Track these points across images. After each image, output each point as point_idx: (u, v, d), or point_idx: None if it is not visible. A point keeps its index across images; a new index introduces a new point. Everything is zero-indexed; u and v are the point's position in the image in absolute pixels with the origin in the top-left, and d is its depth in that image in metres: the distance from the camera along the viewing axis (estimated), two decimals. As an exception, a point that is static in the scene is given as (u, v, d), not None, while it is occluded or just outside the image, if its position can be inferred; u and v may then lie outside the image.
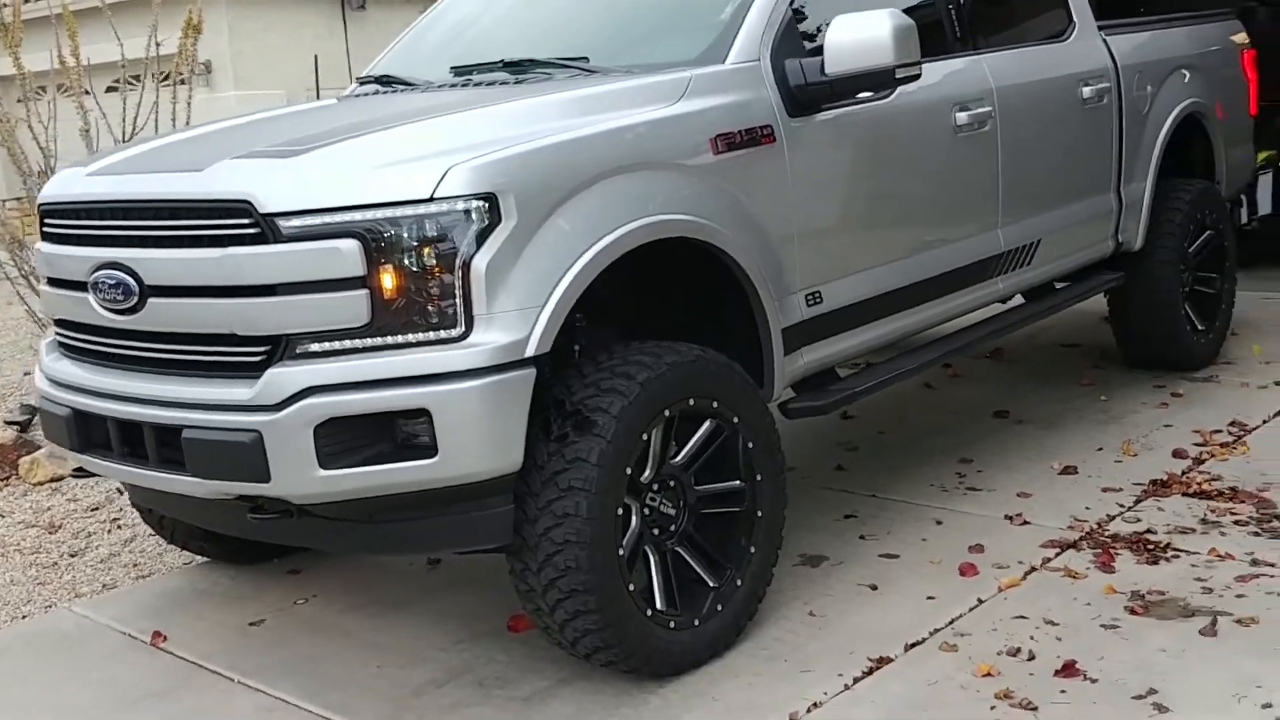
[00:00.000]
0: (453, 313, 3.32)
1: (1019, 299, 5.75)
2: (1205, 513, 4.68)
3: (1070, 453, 5.45)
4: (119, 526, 5.65)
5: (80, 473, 4.19)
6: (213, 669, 4.13)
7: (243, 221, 3.38)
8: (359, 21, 17.24)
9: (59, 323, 4.03)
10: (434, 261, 3.31)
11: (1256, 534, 4.46)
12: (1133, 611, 3.95)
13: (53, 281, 3.97)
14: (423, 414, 3.32)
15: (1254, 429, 5.60)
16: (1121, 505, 4.83)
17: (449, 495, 3.42)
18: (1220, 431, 5.58)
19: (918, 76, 4.20)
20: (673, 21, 4.49)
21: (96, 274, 3.67)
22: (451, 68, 4.61)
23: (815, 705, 3.56)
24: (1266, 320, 7.38)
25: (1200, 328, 6.53)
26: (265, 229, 3.35)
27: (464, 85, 4.38)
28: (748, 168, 3.99)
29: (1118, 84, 5.83)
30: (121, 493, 5.93)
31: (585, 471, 3.43)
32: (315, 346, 3.38)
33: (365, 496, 3.43)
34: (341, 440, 3.35)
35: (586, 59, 4.27)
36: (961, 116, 4.83)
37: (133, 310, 3.61)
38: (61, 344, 4.04)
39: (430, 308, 3.33)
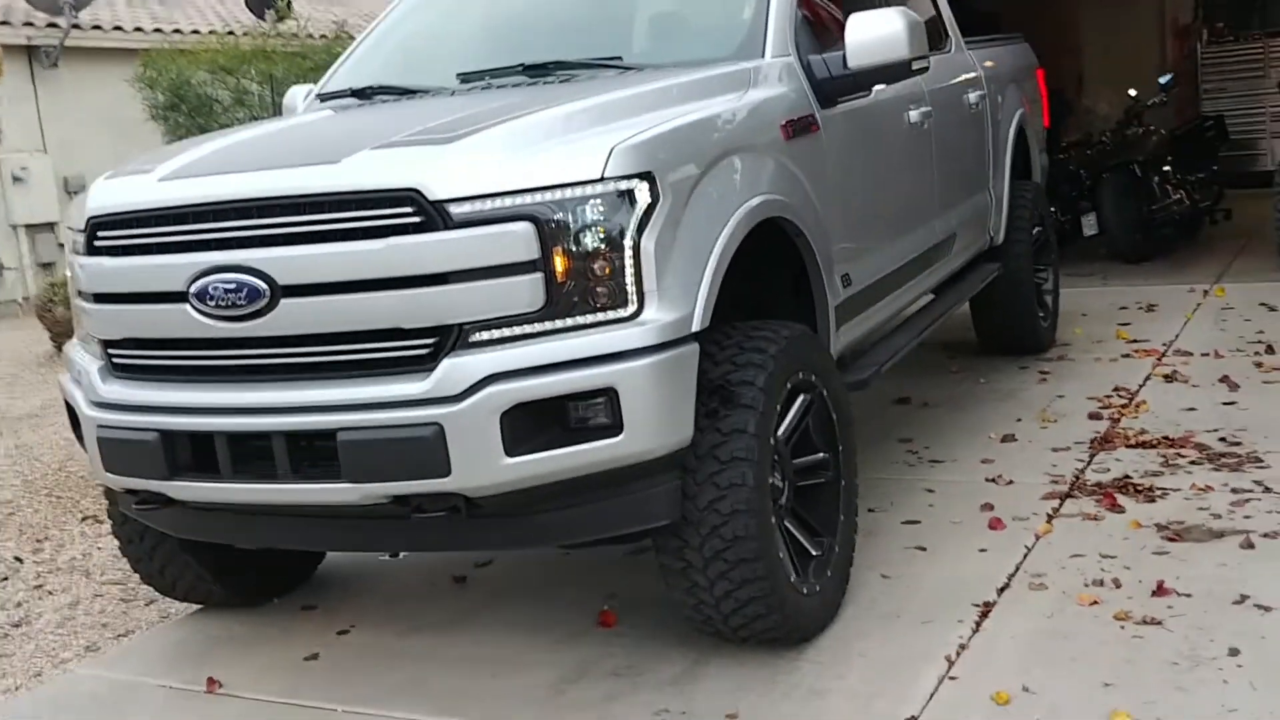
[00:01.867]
0: (625, 292, 3.32)
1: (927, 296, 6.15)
2: (1156, 459, 5.21)
3: (995, 425, 5.91)
4: (49, 593, 5.13)
5: (142, 505, 3.80)
6: (302, 704, 3.87)
7: (406, 210, 3.26)
8: (51, 80, 16.12)
9: (123, 343, 3.69)
10: (605, 241, 3.31)
11: (1217, 470, 5.03)
12: (1170, 539, 4.37)
13: (117, 297, 3.64)
14: (605, 394, 3.29)
15: (1138, 392, 6.25)
16: (1081, 460, 5.31)
17: (625, 474, 3.40)
18: (1110, 396, 6.20)
19: (927, 69, 4.54)
20: (691, 20, 4.62)
21: (202, 281, 3.41)
22: (459, 74, 4.53)
23: (963, 648, 3.75)
24: (1071, 308, 8.18)
25: (1041, 314, 7.21)
26: (434, 216, 3.24)
27: (514, 86, 4.29)
28: (805, 153, 4.19)
29: (988, 92, 6.41)
30: (20, 560, 5.43)
31: (746, 442, 3.50)
32: (487, 334, 3.29)
33: (544, 483, 3.36)
34: (524, 426, 3.28)
35: (620, 58, 4.33)
36: (914, 114, 5.21)
37: (257, 315, 3.38)
38: (126, 365, 3.70)
39: (601, 288, 3.32)
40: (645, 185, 3.33)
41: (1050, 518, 4.69)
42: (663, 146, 3.45)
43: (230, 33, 14.62)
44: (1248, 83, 14.28)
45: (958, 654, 3.72)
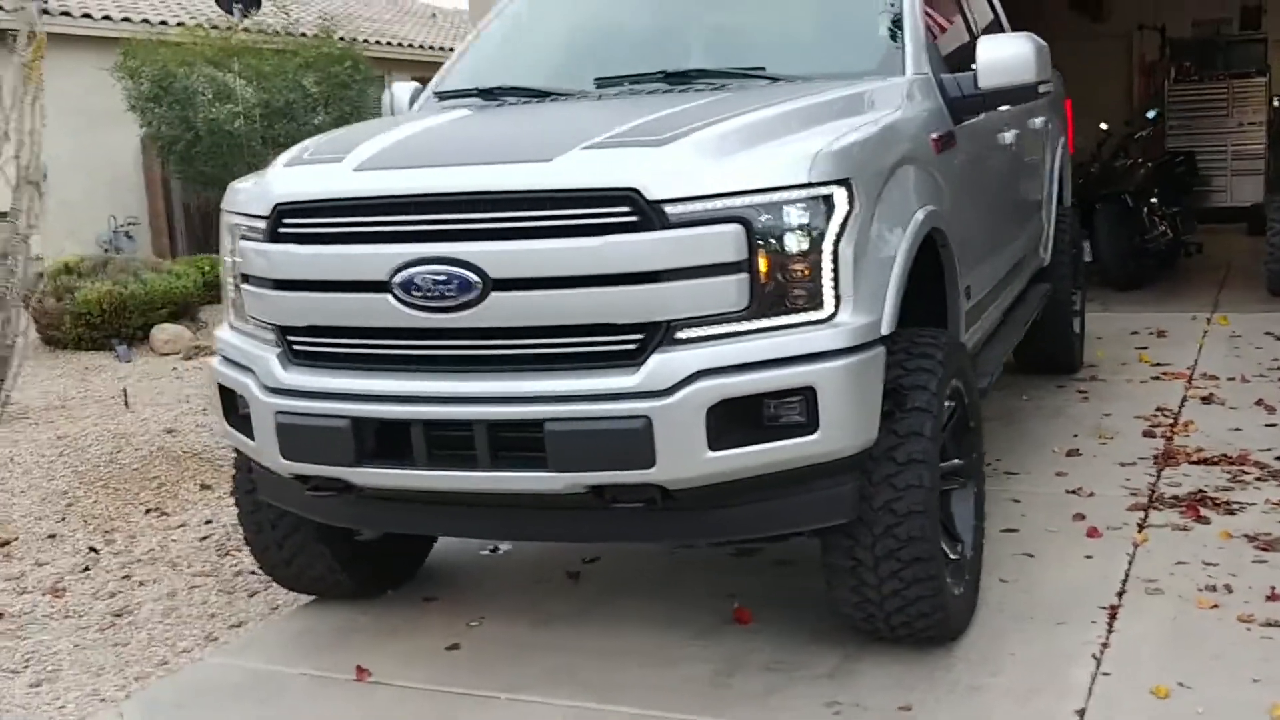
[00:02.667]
0: (822, 294, 3.44)
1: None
2: (1222, 475, 5.44)
3: (1055, 440, 6.11)
4: (140, 584, 5.10)
5: (315, 491, 3.82)
6: (460, 691, 3.91)
7: (623, 210, 3.35)
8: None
9: (307, 330, 3.71)
10: (807, 244, 3.43)
11: (1282, 486, 5.27)
12: (1262, 549, 4.60)
13: (305, 284, 3.67)
14: (802, 392, 3.41)
15: (1180, 412, 6.50)
16: (1150, 475, 5.52)
17: (810, 473, 3.52)
18: (1156, 415, 6.44)
19: (1050, 92, 4.72)
20: (824, 34, 4.75)
21: (409, 272, 3.46)
22: (596, 79, 4.61)
23: (1104, 646, 3.92)
24: (1089, 331, 8.44)
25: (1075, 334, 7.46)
26: (651, 216, 3.33)
27: (663, 93, 4.35)
28: (947, 167, 4.34)
29: (1047, 115, 6.64)
30: (95, 551, 5.39)
31: (922, 445, 3.64)
32: (693, 331, 3.39)
33: (737, 478, 3.46)
34: (725, 422, 3.38)
35: (763, 68, 4.46)
36: (1008, 136, 5.40)
37: (465, 307, 3.44)
38: (309, 352, 3.72)
39: (800, 290, 3.44)
40: (844, 192, 3.46)
41: (1141, 527, 4.89)
42: (857, 155, 3.58)
43: (214, 26, 14.47)
44: (1212, 121, 14.79)
45: (1101, 652, 3.88)
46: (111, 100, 14.14)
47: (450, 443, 3.53)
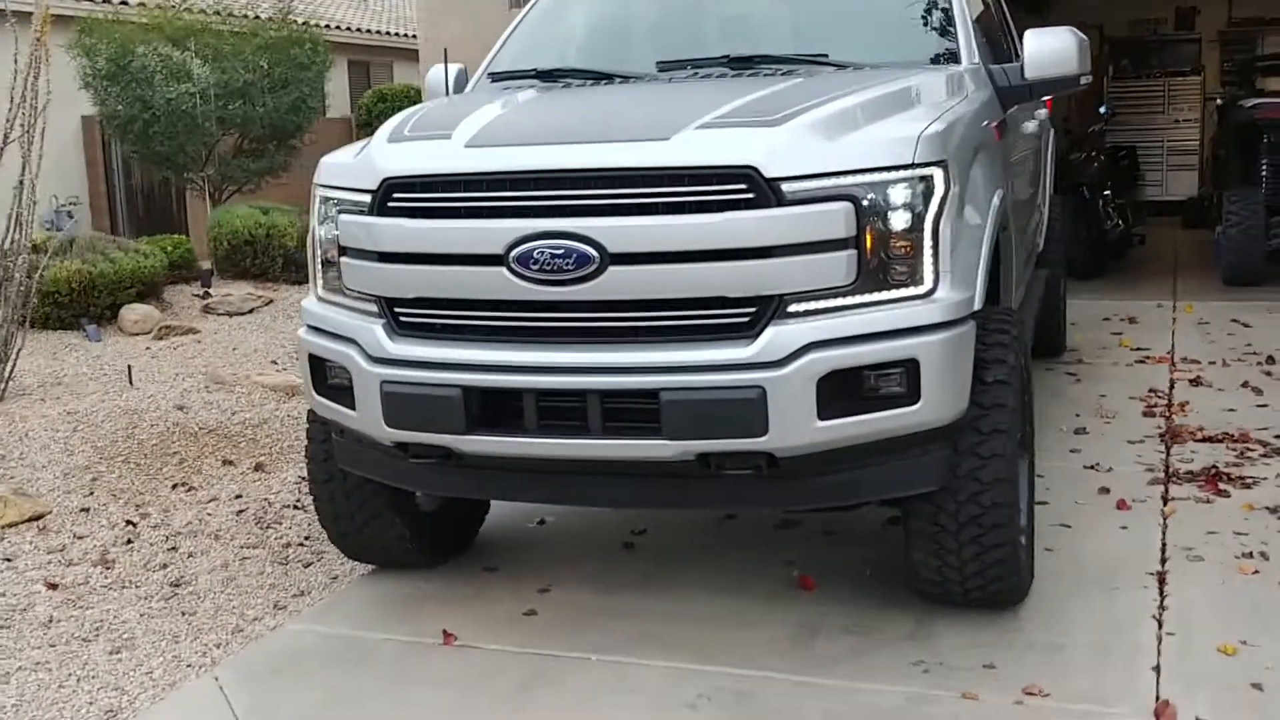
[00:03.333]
0: (921, 270, 3.61)
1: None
2: (1228, 452, 5.73)
3: (1061, 420, 6.37)
4: (189, 555, 5.13)
5: (418, 459, 3.89)
6: (554, 654, 4.02)
7: (741, 187, 3.48)
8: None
9: (415, 302, 3.79)
10: (910, 222, 3.59)
11: (1289, 461, 5.57)
12: (1287, 519, 4.87)
13: (415, 258, 3.75)
14: (905, 364, 3.58)
15: (1171, 394, 6.80)
16: (1159, 452, 5.79)
17: (906, 442, 3.68)
18: (1149, 396, 6.74)
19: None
20: (879, 22, 4.91)
21: (526, 246, 3.56)
22: (658, 62, 4.73)
23: (1162, 608, 4.15)
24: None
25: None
26: (767, 193, 3.48)
27: (732, 76, 4.50)
28: (1002, 153, 4.54)
29: (1040, 107, 6.89)
30: (133, 524, 5.41)
31: (1006, 415, 3.82)
32: (804, 305, 3.54)
33: (840, 447, 3.61)
34: (833, 392, 3.54)
35: (826, 55, 4.61)
36: (1030, 125, 5.62)
37: (581, 280, 3.55)
38: (416, 324, 3.80)
39: (902, 266, 3.61)
40: (942, 173, 3.63)
41: (1166, 500, 5.14)
42: (950, 138, 3.75)
43: (171, 6, 14.26)
44: (1147, 117, 15.31)
45: (1160, 614, 4.11)
46: (53, 78, 13.87)
47: (561, 412, 3.65)
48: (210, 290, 11.68)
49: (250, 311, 11.05)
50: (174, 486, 5.97)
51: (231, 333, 10.11)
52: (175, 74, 13.31)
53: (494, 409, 3.71)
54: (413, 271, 3.77)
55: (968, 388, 3.72)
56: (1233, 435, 5.96)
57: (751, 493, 3.81)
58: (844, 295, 3.56)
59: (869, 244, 3.55)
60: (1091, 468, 5.59)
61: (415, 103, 17.61)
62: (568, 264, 3.54)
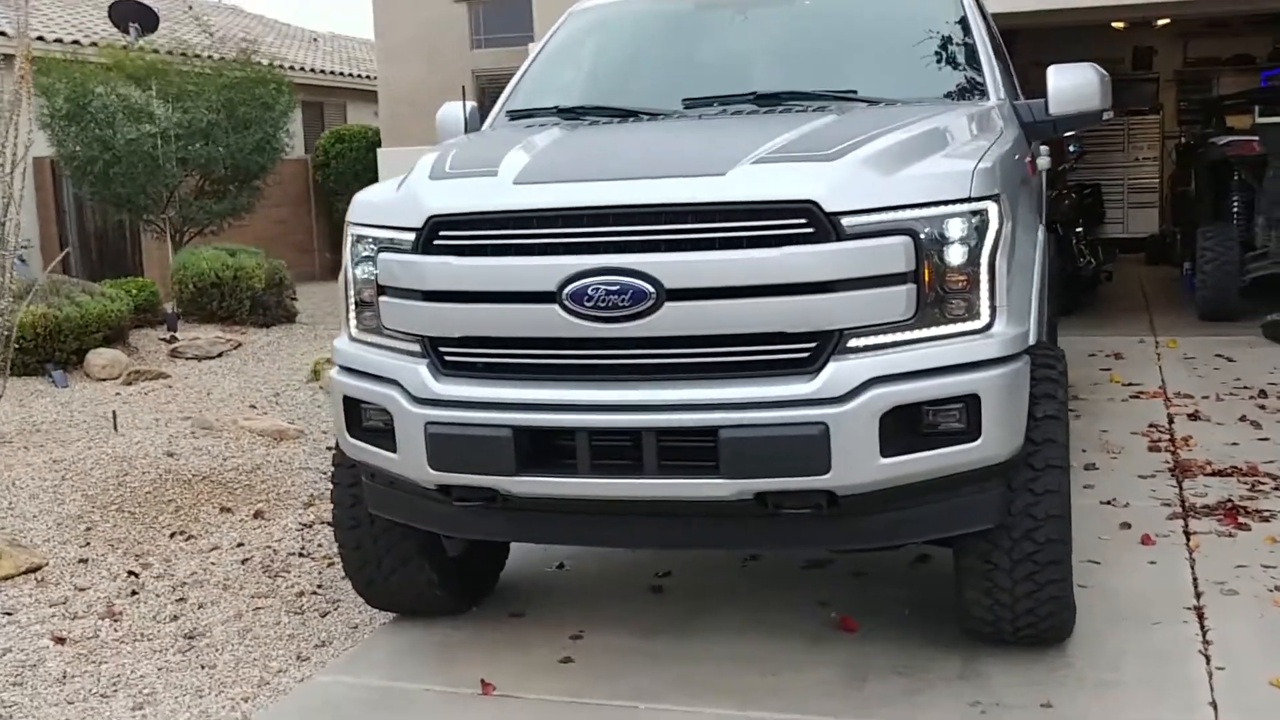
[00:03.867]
0: (979, 305, 3.58)
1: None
2: (1240, 486, 5.75)
3: (1065, 454, 6.34)
4: (199, 606, 4.97)
5: (462, 502, 3.79)
6: (596, 702, 3.92)
7: (800, 221, 3.44)
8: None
9: (461, 340, 3.70)
10: (966, 257, 3.57)
11: (1301, 494, 5.60)
12: (1312, 552, 4.87)
13: (463, 296, 3.66)
14: (965, 400, 3.54)
15: (1172, 428, 6.83)
16: (1172, 486, 5.80)
17: (964, 479, 3.64)
18: (1152, 431, 6.76)
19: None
20: (903, 58, 4.90)
21: (580, 283, 3.49)
22: (684, 99, 4.68)
23: (1207, 643, 4.12)
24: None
25: (1050, 356, 7.76)
26: (827, 228, 3.43)
27: (764, 112, 4.44)
28: (1036, 190, 4.54)
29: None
30: (135, 575, 5.25)
31: (1058, 451, 3.79)
32: (864, 340, 3.50)
33: (900, 484, 3.56)
34: (895, 429, 3.49)
35: (855, 91, 4.59)
36: (1042, 160, 5.64)
37: (637, 317, 3.48)
38: (463, 363, 3.71)
39: (959, 300, 3.58)
40: (996, 207, 3.61)
41: (1189, 535, 5.13)
42: (999, 173, 3.73)
43: (123, 46, 14.07)
44: (1108, 156, 15.53)
45: (1206, 648, 4.08)
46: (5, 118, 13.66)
47: (614, 451, 3.57)
48: (176, 334, 11.47)
49: (219, 355, 10.86)
50: (172, 535, 5.80)
51: (202, 377, 9.92)
52: (136, 114, 13.14)
53: (545, 449, 3.63)
54: (460, 310, 3.68)
55: (1024, 423, 3.69)
56: (1241, 469, 5.98)
57: (808, 532, 3.74)
58: (904, 330, 3.52)
59: (927, 278, 3.52)
60: (1108, 503, 5.58)
61: (374, 143, 17.50)
62: (623, 300, 3.47)
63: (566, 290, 3.51)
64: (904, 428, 3.51)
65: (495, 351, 3.68)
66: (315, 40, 27.21)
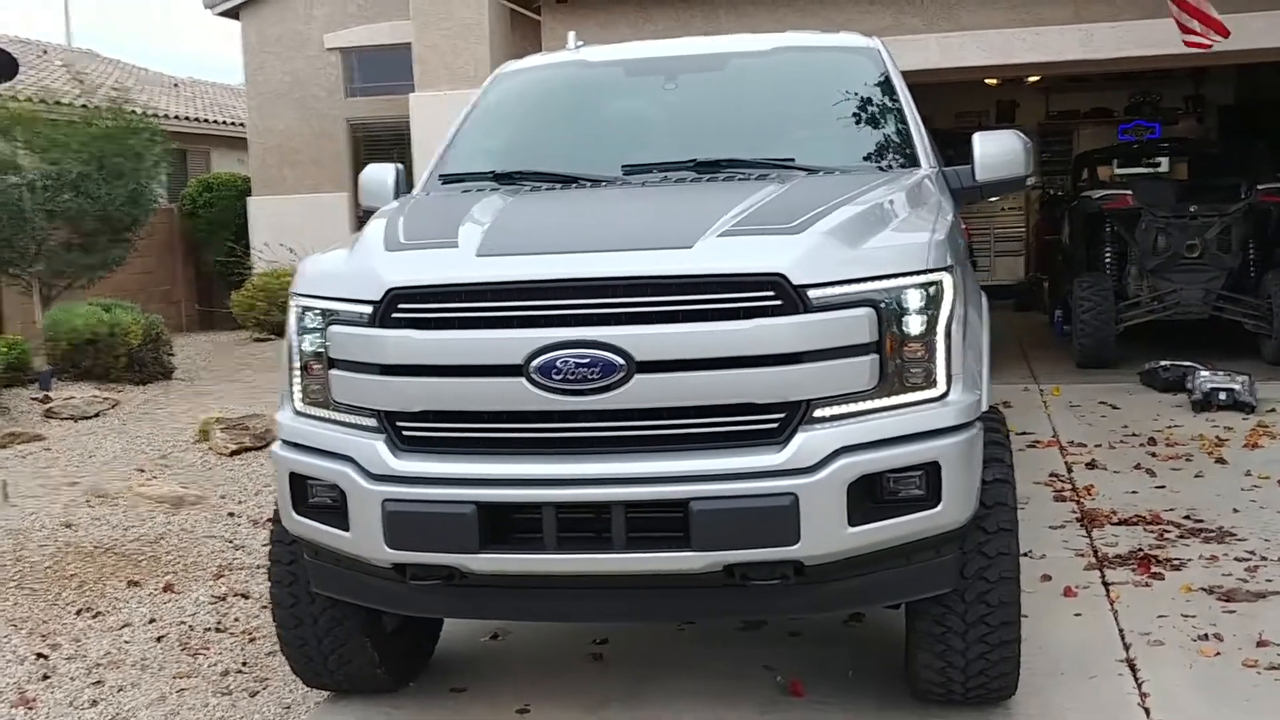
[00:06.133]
0: (936, 373, 3.66)
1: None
2: (1146, 535, 5.95)
3: (976, 506, 6.49)
4: (118, 690, 4.76)
5: (419, 581, 3.70)
6: (556, 781, 3.86)
7: (769, 294, 3.47)
8: None
9: (421, 415, 3.63)
10: (925, 327, 3.64)
11: (1206, 542, 5.81)
12: (1223, 599, 5.06)
13: (424, 370, 3.60)
14: (927, 468, 3.60)
15: (1072, 477, 7.04)
16: (1082, 536, 5.98)
17: (920, 544, 3.69)
18: (1053, 480, 6.96)
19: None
20: (832, 125, 4.99)
21: (548, 355, 3.47)
22: (624, 166, 4.69)
23: (1145, 695, 4.24)
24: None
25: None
26: (795, 300, 3.47)
27: (706, 180, 4.48)
28: (968, 256, 4.65)
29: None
30: (44, 657, 5.02)
31: (1008, 514, 3.88)
32: (830, 410, 3.54)
33: (864, 553, 3.60)
34: (861, 497, 3.54)
35: (793, 159, 4.65)
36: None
37: (607, 389, 3.47)
38: (422, 438, 3.64)
39: (917, 369, 3.64)
40: (949, 277, 3.69)
41: (1107, 585, 5.28)
42: (949, 243, 3.82)
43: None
44: (975, 206, 15.98)
45: (1143, 701, 4.20)
46: None
47: (582, 525, 3.54)
48: (50, 393, 11.04)
49: (97, 415, 10.49)
50: (79, 612, 5.55)
51: (80, 438, 9.56)
52: (2, 165, 12.66)
53: (510, 525, 3.58)
54: (421, 384, 3.61)
55: (978, 489, 3.77)
56: (1145, 517, 6.19)
57: (771, 601, 3.75)
58: (867, 399, 3.57)
59: (888, 348, 3.58)
60: (1025, 554, 5.68)
61: (244, 191, 17.16)
62: (593, 373, 3.45)
63: (534, 363, 3.48)
64: (868, 496, 3.56)
65: (458, 426, 3.62)
66: (176, 85, 26.61)
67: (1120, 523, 6.16)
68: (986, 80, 14.84)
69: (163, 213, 18.71)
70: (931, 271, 3.64)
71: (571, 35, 5.95)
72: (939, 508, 3.60)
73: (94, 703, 4.65)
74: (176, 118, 22.24)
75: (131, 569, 6.06)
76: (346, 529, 3.71)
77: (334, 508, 3.76)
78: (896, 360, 3.60)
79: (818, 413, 3.53)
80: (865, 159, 4.77)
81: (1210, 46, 9.40)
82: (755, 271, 3.50)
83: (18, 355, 11.55)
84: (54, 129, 12.84)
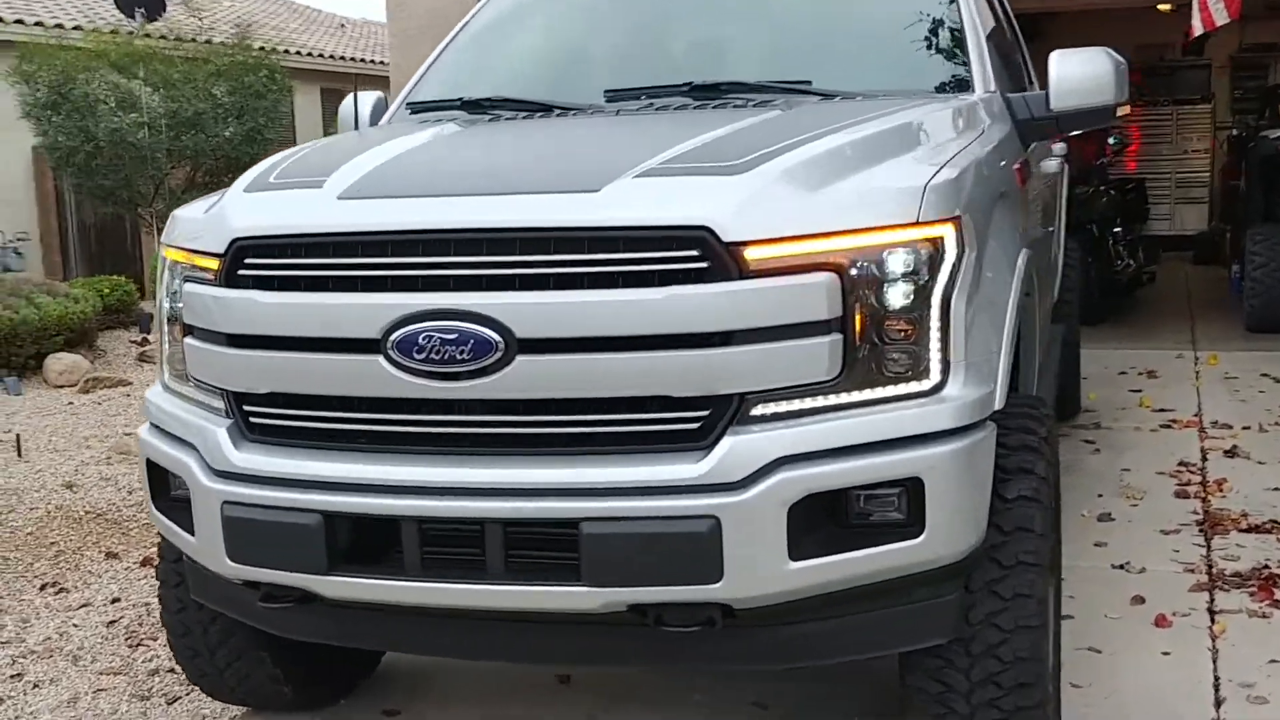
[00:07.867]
0: (926, 360, 2.75)
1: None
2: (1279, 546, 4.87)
3: (1079, 501, 5.48)
4: (33, 685, 4.23)
5: (269, 602, 3.01)
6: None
7: (691, 254, 2.62)
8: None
9: (269, 399, 2.91)
10: (913, 298, 2.74)
11: (1347, 558, 4.71)
12: (1361, 641, 4.00)
13: (270, 341, 2.87)
14: (904, 484, 2.72)
15: (1205, 467, 5.95)
16: (1199, 544, 4.94)
17: (907, 583, 2.82)
18: (1181, 471, 5.88)
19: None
20: (878, 42, 4.06)
21: (409, 328, 2.69)
22: (606, 91, 3.87)
23: (1227, 777, 3.27)
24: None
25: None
26: (726, 262, 2.62)
27: (695, 107, 3.64)
28: (1025, 202, 3.70)
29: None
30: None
31: (1032, 543, 2.95)
32: (773, 407, 2.68)
33: (819, 593, 2.74)
34: (809, 523, 2.68)
35: (809, 82, 3.75)
36: (1051, 164, 4.79)
37: (481, 374, 2.68)
38: (271, 427, 2.93)
39: (899, 354, 2.75)
40: (954, 232, 2.78)
41: (1213, 614, 4.27)
42: (964, 187, 2.90)
43: (114, 31, 13.42)
44: (1155, 148, 14.51)
45: (1225, 779, 3.24)
46: (2, 106, 13.09)
47: (450, 545, 2.78)
48: (149, 337, 10.81)
49: (190, 360, 10.16)
50: (43, 587, 5.08)
51: (165, 384, 9.22)
52: (122, 103, 12.48)
53: (364, 542, 2.84)
54: (265, 359, 2.89)
55: (985, 511, 2.86)
56: (1281, 525, 5.11)
57: (700, 650, 2.92)
58: (825, 394, 2.70)
59: (858, 327, 2.70)
60: (1121, 567, 4.73)
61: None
62: (462, 352, 2.67)
63: (392, 338, 2.71)
64: (822, 521, 2.70)
65: (306, 413, 2.89)
66: (343, 26, 26.65)
67: (1249, 529, 5.08)
68: (1160, 6, 13.30)
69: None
70: (925, 225, 2.72)
71: None
72: (921, 538, 2.72)
73: None
74: (335, 57, 22.13)
75: (117, 538, 5.57)
76: (193, 533, 3.04)
77: (185, 506, 3.08)
78: (871, 342, 2.72)
79: (755, 410, 2.68)
80: (902, 81, 3.82)
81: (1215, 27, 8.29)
82: (671, 223, 2.64)
83: (120, 297, 11.37)
84: (170, 66, 12.59)
